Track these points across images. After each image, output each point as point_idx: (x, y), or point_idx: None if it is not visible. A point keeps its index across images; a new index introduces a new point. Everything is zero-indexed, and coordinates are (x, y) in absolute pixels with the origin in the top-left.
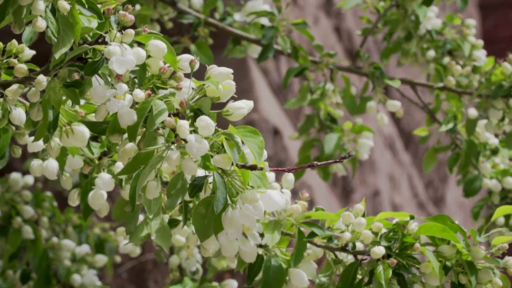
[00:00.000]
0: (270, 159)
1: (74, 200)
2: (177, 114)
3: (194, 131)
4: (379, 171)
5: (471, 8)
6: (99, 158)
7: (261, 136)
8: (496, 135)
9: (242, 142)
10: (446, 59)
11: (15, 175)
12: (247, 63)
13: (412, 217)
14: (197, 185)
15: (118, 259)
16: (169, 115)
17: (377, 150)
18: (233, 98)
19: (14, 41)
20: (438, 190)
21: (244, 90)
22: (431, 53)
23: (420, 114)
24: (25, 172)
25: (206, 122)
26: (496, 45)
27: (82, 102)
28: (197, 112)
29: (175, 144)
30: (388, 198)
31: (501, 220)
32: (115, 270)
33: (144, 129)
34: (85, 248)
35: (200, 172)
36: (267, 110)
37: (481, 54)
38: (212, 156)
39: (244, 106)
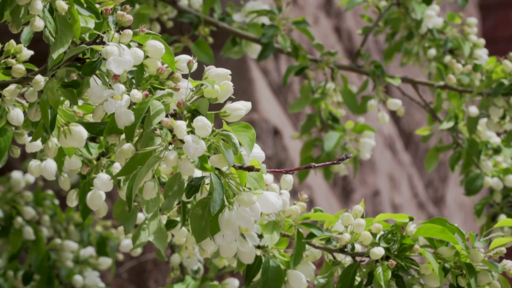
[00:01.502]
0: (270, 159)
1: (72, 200)
2: (175, 115)
3: (191, 131)
4: (379, 171)
5: (471, 8)
6: (97, 159)
7: (253, 130)
8: (498, 134)
9: (240, 144)
10: (448, 58)
11: (16, 175)
12: (247, 62)
13: (411, 219)
14: (194, 186)
15: (120, 257)
16: (166, 116)
17: (377, 150)
18: (232, 99)
19: (12, 41)
20: (438, 190)
21: (244, 90)
22: (432, 52)
23: (420, 114)
24: (25, 171)
25: (203, 123)
26: (496, 45)
27: (80, 102)
28: (194, 113)
29: (172, 145)
30: (388, 198)
31: (503, 218)
32: (115, 270)
33: (142, 129)
34: (89, 251)
35: (198, 173)
36: (267, 110)
37: (482, 53)
38: (209, 157)
39: (242, 107)
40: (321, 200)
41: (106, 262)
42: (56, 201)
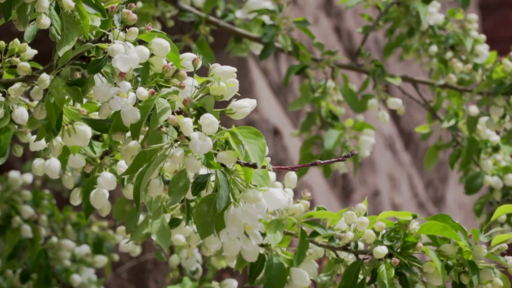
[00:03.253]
0: (270, 159)
1: (76, 199)
2: (180, 112)
3: (197, 129)
4: (379, 171)
5: (471, 8)
6: (101, 157)
7: (264, 139)
8: (497, 132)
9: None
10: (449, 54)
11: (14, 174)
12: (247, 63)
13: (414, 216)
14: (200, 183)
15: (116, 257)
16: (172, 113)
17: (377, 150)
18: (238, 97)
19: (17, 40)
20: (438, 190)
21: (244, 90)
22: (434, 49)
23: (420, 114)
24: (25, 173)
25: (210, 120)
26: (496, 45)
27: (85, 101)
28: (200, 110)
29: (178, 142)
30: (388, 198)
31: (503, 217)
32: (115, 269)
33: (147, 127)
34: (84, 249)
35: (202, 171)
36: (267, 110)
37: (483, 49)
38: (215, 154)
39: (247, 105)
40: (321, 200)
41: (102, 260)
42: (54, 201)
